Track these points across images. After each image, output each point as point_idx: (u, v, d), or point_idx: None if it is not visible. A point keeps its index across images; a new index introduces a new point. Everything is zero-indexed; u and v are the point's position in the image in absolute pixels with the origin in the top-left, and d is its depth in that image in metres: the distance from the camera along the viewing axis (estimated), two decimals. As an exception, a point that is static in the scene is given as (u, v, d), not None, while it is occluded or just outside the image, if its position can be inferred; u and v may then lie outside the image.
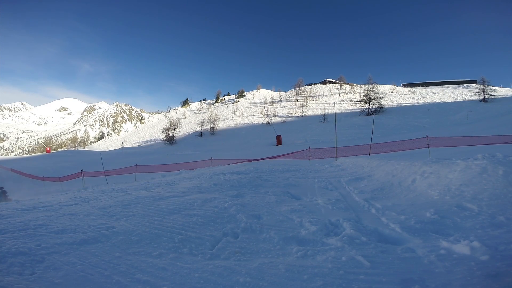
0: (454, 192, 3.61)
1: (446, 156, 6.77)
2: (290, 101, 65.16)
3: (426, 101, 48.00)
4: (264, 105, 62.78)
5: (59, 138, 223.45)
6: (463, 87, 57.38)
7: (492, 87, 44.28)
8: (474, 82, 56.54)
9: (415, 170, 4.84)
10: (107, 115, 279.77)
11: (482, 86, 43.22)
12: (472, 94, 45.74)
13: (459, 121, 31.37)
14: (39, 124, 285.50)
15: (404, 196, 4.14)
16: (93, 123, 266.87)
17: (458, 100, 45.96)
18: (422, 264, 2.11)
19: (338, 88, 68.40)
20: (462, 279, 1.81)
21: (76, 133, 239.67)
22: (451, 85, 61.91)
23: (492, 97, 41.61)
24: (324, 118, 43.66)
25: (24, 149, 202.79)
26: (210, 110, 69.98)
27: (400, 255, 2.30)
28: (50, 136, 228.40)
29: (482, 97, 42.28)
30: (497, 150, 5.93)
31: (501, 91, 46.51)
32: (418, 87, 63.58)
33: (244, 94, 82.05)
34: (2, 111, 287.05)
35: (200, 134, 51.85)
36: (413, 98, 52.43)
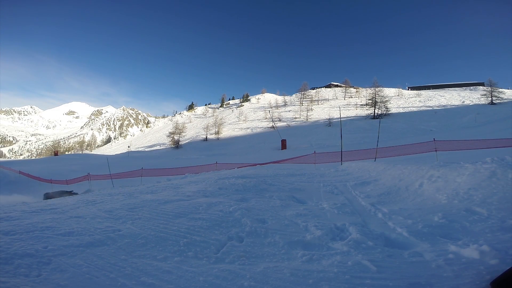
0: (463, 196, 3.55)
1: (454, 159, 6.67)
2: (294, 105, 65.12)
3: (433, 104, 47.53)
4: (268, 109, 62.86)
5: (67, 142, 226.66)
6: (470, 90, 56.73)
7: (500, 89, 43.71)
8: (482, 84, 55.85)
9: (422, 174, 4.79)
10: (114, 119, 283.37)
11: (489, 88, 42.69)
12: (480, 96, 45.18)
13: (467, 124, 30.97)
14: (47, 127, 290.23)
15: (411, 200, 4.09)
16: (100, 127, 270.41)
17: (465, 102, 45.42)
18: (429, 269, 2.07)
19: (343, 92, 68.15)
20: (470, 283, 1.78)
21: (83, 137, 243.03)
22: (458, 88, 61.23)
23: (500, 99, 41.03)
24: (329, 122, 43.52)
25: (32, 152, 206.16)
26: (215, 114, 70.34)
27: (407, 260, 2.27)
28: (58, 140, 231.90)
29: (490, 99, 41.74)
30: (506, 153, 5.83)
31: (509, 93, 45.83)
32: (424, 90, 63.02)
33: (248, 98, 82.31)
34: (12, 114, 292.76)
35: (205, 138, 52.07)
36: (419, 101, 51.96)
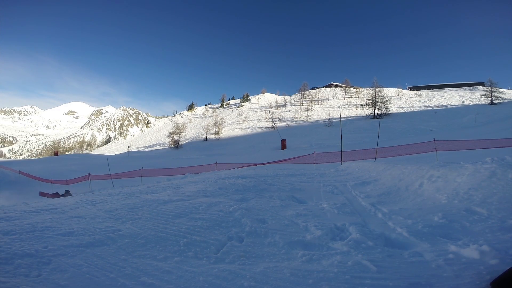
0: (463, 196, 3.55)
1: (454, 159, 6.68)
2: (294, 105, 65.11)
3: (433, 104, 47.50)
4: (268, 109, 62.84)
5: (67, 142, 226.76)
6: (470, 90, 56.69)
7: (500, 89, 43.68)
8: (482, 84, 55.84)
9: (422, 174, 4.79)
10: (114, 119, 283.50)
11: (489, 88, 42.66)
12: (480, 96, 45.15)
13: (467, 124, 30.97)
14: (47, 127, 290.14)
15: (411, 200, 4.09)
16: (100, 127, 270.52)
17: (465, 102, 45.37)
18: (429, 269, 2.07)
19: (343, 92, 68.12)
20: (470, 283, 1.78)
21: (83, 137, 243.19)
22: (458, 88, 61.19)
23: (500, 99, 41.02)
24: (329, 122, 43.51)
25: (32, 152, 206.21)
26: (215, 114, 70.33)
27: (407, 260, 2.27)
28: (58, 140, 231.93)
29: (490, 99, 41.72)
30: (506, 153, 5.84)
31: (509, 93, 45.81)
32: (425, 90, 62.99)
33: (248, 98, 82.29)
34: (12, 114, 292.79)
35: (205, 138, 52.05)
36: (419, 101, 51.91)
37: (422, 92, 60.25)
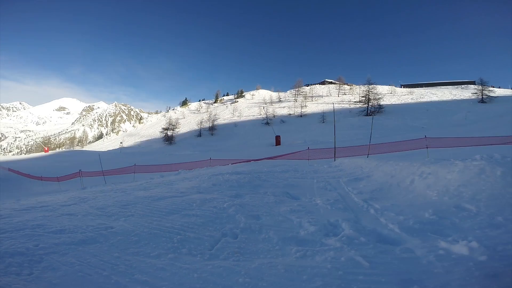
0: (453, 193, 3.62)
1: (444, 156, 6.79)
2: (289, 101, 65.13)
3: (425, 102, 48.12)
4: (263, 105, 62.77)
5: (57, 138, 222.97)
6: (462, 88, 57.54)
7: (491, 88, 44.44)
8: (473, 83, 56.71)
9: (413, 170, 4.85)
10: (106, 115, 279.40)
11: (480, 87, 43.36)
12: (471, 95, 45.86)
13: (458, 122, 31.46)
14: (37, 123, 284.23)
15: (402, 196, 4.15)
16: (92, 123, 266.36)
17: (456, 100, 46.07)
18: (421, 265, 2.11)
19: (337, 89, 68.43)
20: (460, 279, 1.82)
21: (74, 133, 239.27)
22: (450, 86, 62.07)
23: (491, 98, 41.76)
24: (323, 118, 43.72)
25: (22, 149, 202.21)
26: (209, 110, 69.86)
27: (399, 256, 2.30)
28: (49, 136, 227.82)
29: (480, 98, 42.42)
30: (495, 151, 5.95)
31: (499, 92, 46.73)
32: (417, 88, 63.70)
33: (243, 94, 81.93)
34: (0, 110, 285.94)
35: (199, 134, 51.77)
36: (411, 98, 52.54)
37: (415, 89, 60.91)
